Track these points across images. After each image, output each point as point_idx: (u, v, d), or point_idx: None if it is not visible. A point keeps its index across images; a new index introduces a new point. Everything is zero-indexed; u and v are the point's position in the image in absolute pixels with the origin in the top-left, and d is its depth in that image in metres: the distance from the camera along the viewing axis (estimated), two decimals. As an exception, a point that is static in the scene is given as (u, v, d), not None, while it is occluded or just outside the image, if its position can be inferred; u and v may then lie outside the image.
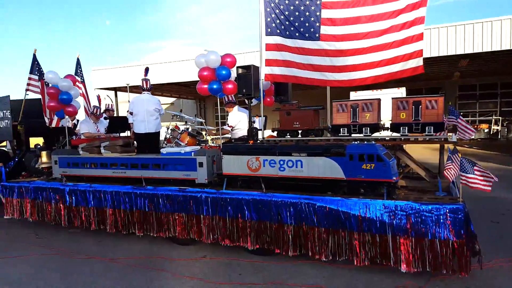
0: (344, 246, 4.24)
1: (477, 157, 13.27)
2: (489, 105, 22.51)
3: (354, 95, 15.57)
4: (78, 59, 8.06)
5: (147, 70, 6.74)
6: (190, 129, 6.50)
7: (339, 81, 5.44)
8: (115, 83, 19.01)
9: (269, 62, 5.57)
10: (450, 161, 4.41)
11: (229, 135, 6.90)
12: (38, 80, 7.13)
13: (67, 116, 6.87)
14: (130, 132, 7.14)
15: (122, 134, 7.51)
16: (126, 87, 18.24)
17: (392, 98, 4.95)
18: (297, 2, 5.38)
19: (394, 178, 4.15)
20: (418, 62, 5.02)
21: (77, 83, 7.18)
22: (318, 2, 5.28)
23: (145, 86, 6.47)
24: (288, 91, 6.14)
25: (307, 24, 5.39)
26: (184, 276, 4.39)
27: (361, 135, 5.09)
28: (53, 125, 7.03)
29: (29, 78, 7.32)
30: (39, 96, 7.56)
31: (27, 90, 7.45)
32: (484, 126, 20.27)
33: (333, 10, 5.26)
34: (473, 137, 4.66)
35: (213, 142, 6.72)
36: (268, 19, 5.53)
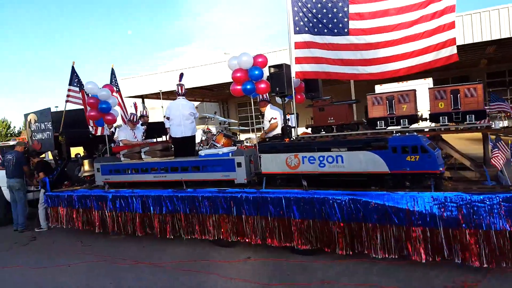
0: (393, 241, 4.17)
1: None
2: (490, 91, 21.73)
3: (379, 88, 15.37)
4: (112, 69, 8.33)
5: (181, 75, 6.90)
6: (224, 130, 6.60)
7: (371, 74, 5.41)
8: (141, 91, 19.50)
9: (299, 60, 5.60)
10: (496, 149, 4.33)
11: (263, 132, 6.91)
12: (79, 91, 7.42)
13: (106, 124, 7.11)
14: (167, 137, 7.32)
15: (159, 139, 7.70)
16: (153, 94, 18.69)
17: (429, 88, 4.88)
18: (324, 0, 5.39)
19: (441, 169, 4.09)
20: (451, 50, 4.93)
21: (113, 93, 7.43)
22: (346, -2, 5.28)
23: (180, 91, 6.64)
24: (318, 88, 6.15)
25: (335, 20, 5.39)
26: (232, 278, 4.44)
27: (399, 127, 5.04)
28: (98, 133, 7.30)
29: (69, 90, 7.64)
30: (78, 106, 7.87)
31: (67, 101, 7.76)
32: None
33: (361, 5, 5.25)
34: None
35: (247, 142, 6.80)
36: (296, 18, 5.56)
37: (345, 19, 5.27)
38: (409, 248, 4.08)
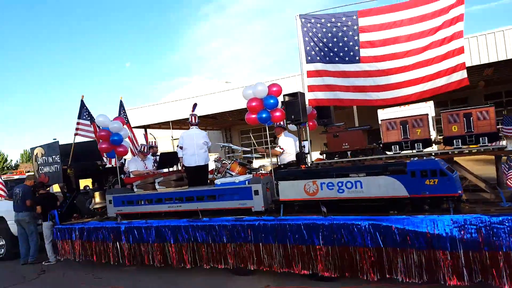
0: (413, 265, 4.17)
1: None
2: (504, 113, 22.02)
3: (382, 113, 15.48)
4: (121, 101, 8.45)
5: (195, 106, 7.02)
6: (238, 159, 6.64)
7: (383, 99, 5.55)
8: (144, 121, 19.67)
9: (311, 88, 5.74)
10: (511, 170, 4.37)
11: (274, 160, 6.97)
12: (89, 124, 7.49)
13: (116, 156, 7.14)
14: (180, 166, 7.34)
15: (170, 169, 7.72)
16: (155, 124, 18.91)
17: (442, 112, 4.98)
18: (334, 29, 5.58)
19: (459, 191, 4.12)
20: (462, 74, 5.09)
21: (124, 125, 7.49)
22: (355, 27, 5.47)
23: (193, 121, 6.75)
24: (331, 114, 6.26)
25: (346, 49, 5.56)
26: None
27: (414, 151, 5.10)
28: (112, 164, 7.33)
29: (78, 123, 7.70)
30: (86, 139, 7.92)
31: (76, 134, 7.82)
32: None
33: (371, 33, 5.43)
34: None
35: (262, 170, 6.83)
36: (307, 48, 5.74)
37: (356, 47, 5.44)
38: (430, 271, 4.06)
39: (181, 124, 21.72)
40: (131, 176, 7.28)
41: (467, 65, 5.13)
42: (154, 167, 7.76)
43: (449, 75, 5.13)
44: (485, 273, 3.87)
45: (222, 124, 26.47)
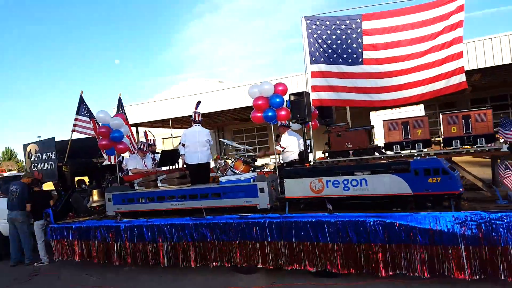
0: (416, 260, 4.31)
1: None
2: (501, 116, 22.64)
3: (374, 115, 15.83)
4: (120, 98, 8.40)
5: (198, 103, 7.06)
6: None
7: (384, 101, 5.71)
8: (135, 119, 19.56)
9: (315, 88, 5.86)
10: (508, 170, 4.56)
11: (277, 158, 7.04)
12: (89, 121, 7.43)
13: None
14: (182, 164, 7.35)
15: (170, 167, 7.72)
16: (147, 122, 18.93)
17: (442, 114, 5.17)
18: (338, 32, 5.72)
19: (460, 189, 4.29)
20: (461, 78, 5.29)
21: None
22: (359, 30, 5.62)
23: (196, 119, 6.79)
24: (332, 114, 6.39)
25: (349, 51, 5.71)
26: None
27: (414, 151, 5.27)
28: (111, 162, 7.28)
29: (76, 119, 7.63)
30: (84, 136, 7.85)
31: (73, 130, 7.74)
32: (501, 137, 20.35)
33: (374, 36, 5.60)
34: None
35: (265, 168, 6.88)
36: (312, 49, 5.86)
37: (359, 50, 5.60)
38: (431, 266, 4.22)
39: (174, 122, 21.67)
40: (130, 174, 7.25)
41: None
42: (153, 165, 7.74)
43: (448, 79, 5.33)
44: (485, 267, 4.04)
45: (215, 123, 26.49)
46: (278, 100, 5.35)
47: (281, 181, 5.43)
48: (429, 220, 4.27)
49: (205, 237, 5.45)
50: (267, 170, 6.47)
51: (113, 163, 7.37)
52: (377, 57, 5.58)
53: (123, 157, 8.12)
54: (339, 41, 5.71)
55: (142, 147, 7.44)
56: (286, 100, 5.65)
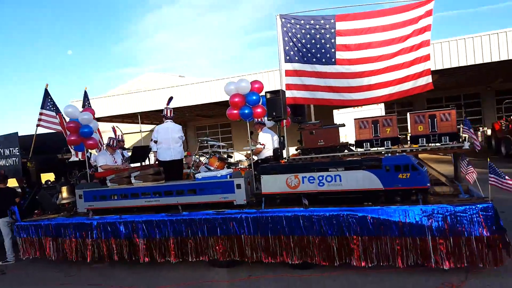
0: (387, 251, 4.57)
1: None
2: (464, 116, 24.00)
3: (337, 113, 16.31)
4: (85, 92, 8.13)
5: (170, 99, 6.95)
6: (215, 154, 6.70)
7: (355, 100, 5.94)
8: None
9: (289, 87, 5.99)
10: (470, 166, 4.92)
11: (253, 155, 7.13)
12: (55, 115, 7.14)
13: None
14: (154, 161, 7.24)
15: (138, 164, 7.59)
16: (105, 117, 18.42)
17: (410, 113, 5.47)
18: (313, 31, 5.87)
19: (428, 184, 4.58)
20: (427, 79, 5.60)
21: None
22: (332, 30, 5.80)
23: (168, 115, 6.68)
24: (305, 112, 6.54)
25: (323, 50, 5.88)
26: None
27: (383, 148, 5.54)
28: (79, 158, 7.05)
29: (41, 113, 7.31)
30: (49, 131, 7.55)
31: (38, 125, 7.42)
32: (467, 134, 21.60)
33: (347, 37, 5.80)
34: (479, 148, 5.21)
35: (240, 165, 6.94)
36: (287, 48, 5.98)
37: (332, 50, 5.77)
38: (401, 257, 4.49)
39: (134, 118, 21.19)
40: (100, 170, 7.06)
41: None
42: (123, 161, 7.59)
43: (415, 80, 5.63)
44: (450, 256, 4.35)
45: (177, 119, 26.11)
46: (254, 97, 5.43)
47: (257, 178, 5.51)
48: (398, 213, 4.53)
49: (182, 233, 5.45)
50: (242, 166, 6.54)
51: (81, 159, 7.14)
52: (350, 57, 5.78)
53: (90, 153, 7.89)
54: (313, 41, 5.86)
55: (111, 143, 7.27)
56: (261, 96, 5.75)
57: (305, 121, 6.41)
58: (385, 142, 5.55)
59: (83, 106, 8.23)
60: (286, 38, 5.96)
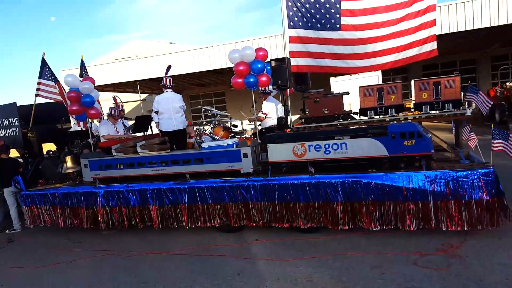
0: (391, 215, 4.73)
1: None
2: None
3: (334, 81, 16.23)
4: (82, 61, 7.98)
5: (169, 68, 6.84)
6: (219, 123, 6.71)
7: (360, 67, 5.92)
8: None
9: (293, 54, 5.93)
10: (472, 133, 5.01)
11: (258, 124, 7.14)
12: (54, 85, 7.03)
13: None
14: (157, 131, 7.23)
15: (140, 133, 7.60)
16: (98, 86, 18.09)
17: (414, 80, 5.47)
18: (317, -4, 5.74)
19: (432, 151, 4.68)
20: (432, 46, 5.58)
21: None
22: (337, -5, 5.68)
23: (167, 84, 6.59)
24: (307, 81, 6.51)
25: (327, 16, 5.78)
26: (248, 258, 4.71)
27: (387, 116, 5.59)
28: (82, 127, 7.03)
29: (39, 83, 7.20)
30: (49, 100, 7.47)
31: (37, 95, 7.31)
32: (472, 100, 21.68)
33: (352, 2, 5.70)
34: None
35: (245, 134, 6.97)
36: (290, 13, 5.87)
37: (337, 15, 5.68)
38: (404, 220, 4.66)
39: (125, 87, 20.86)
40: (102, 140, 7.06)
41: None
42: (125, 131, 7.57)
43: (420, 46, 5.61)
44: (450, 219, 4.54)
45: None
46: (259, 65, 5.38)
47: (262, 146, 5.57)
48: (402, 179, 4.66)
49: (190, 200, 5.56)
50: (247, 136, 6.58)
51: (83, 129, 7.11)
52: (355, 23, 5.70)
53: (91, 122, 7.84)
54: (317, 6, 5.75)
55: (113, 112, 7.22)
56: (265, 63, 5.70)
57: (309, 89, 6.40)
58: (389, 110, 5.59)
59: (81, 75, 8.10)
60: (289, 3, 5.84)
